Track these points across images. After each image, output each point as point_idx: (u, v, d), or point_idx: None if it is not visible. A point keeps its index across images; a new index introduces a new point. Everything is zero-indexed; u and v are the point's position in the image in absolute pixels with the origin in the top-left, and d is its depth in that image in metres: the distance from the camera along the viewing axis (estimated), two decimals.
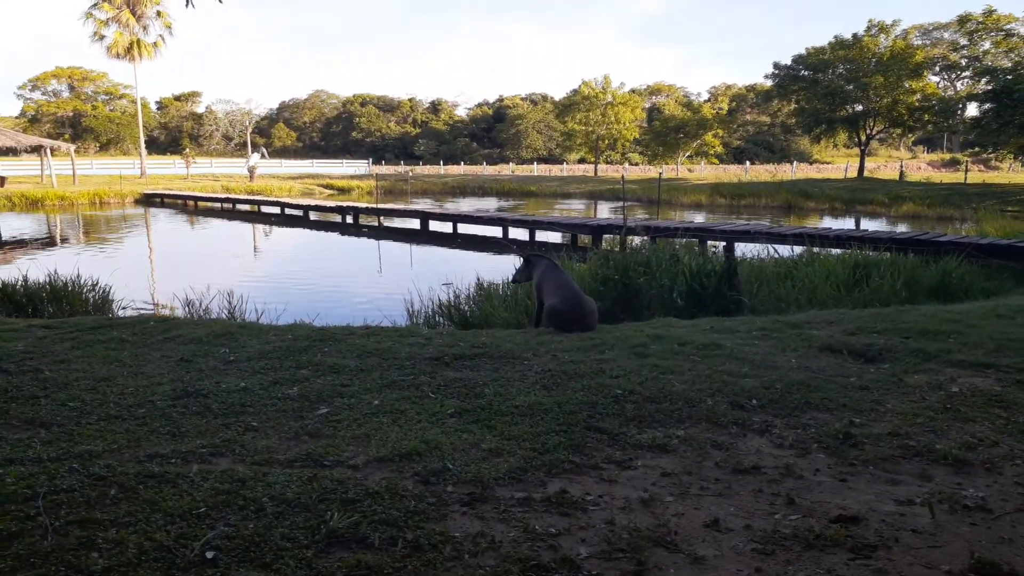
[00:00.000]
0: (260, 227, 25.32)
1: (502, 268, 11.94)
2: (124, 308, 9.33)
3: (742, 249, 13.10)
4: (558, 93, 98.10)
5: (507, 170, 68.22)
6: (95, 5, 47.19)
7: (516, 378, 4.63)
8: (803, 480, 3.22)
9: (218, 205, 33.24)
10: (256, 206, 31.71)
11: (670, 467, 3.35)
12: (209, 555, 2.54)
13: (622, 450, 3.52)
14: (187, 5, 4.99)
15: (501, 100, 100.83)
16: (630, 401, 4.14)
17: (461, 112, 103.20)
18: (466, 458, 3.39)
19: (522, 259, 6.82)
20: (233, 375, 4.73)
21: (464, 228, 21.87)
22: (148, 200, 35.83)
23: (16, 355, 5.26)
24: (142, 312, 8.92)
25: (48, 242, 20.38)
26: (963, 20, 45.02)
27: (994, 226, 16.42)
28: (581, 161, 77.34)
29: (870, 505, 2.98)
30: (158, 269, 14.98)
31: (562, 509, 2.93)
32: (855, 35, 43.40)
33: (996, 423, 3.89)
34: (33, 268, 10.37)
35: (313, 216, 27.86)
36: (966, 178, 41.85)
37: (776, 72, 45.73)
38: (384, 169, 66.04)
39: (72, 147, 43.06)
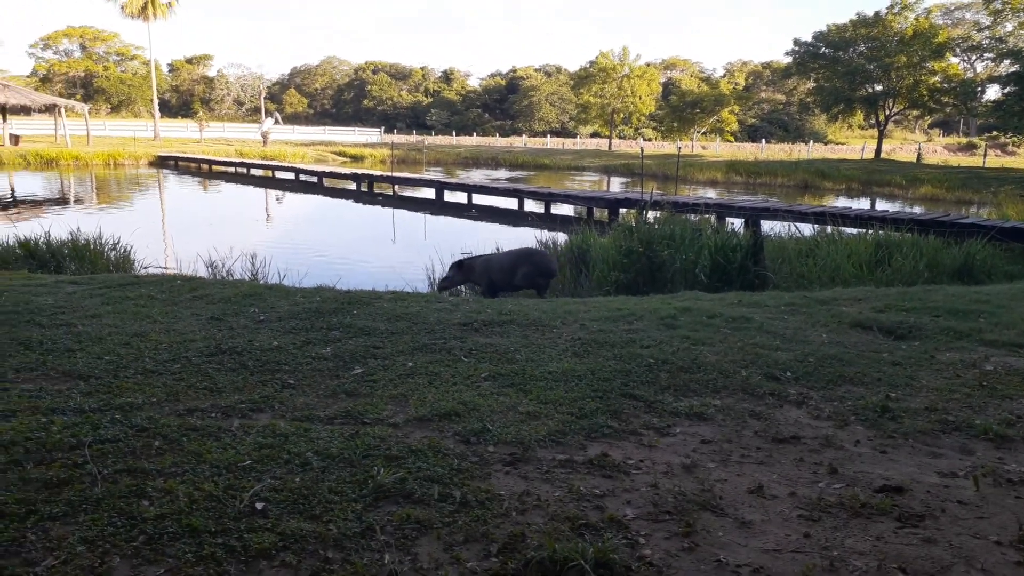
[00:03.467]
0: (274, 192, 25.31)
1: (520, 239, 11.94)
2: (146, 267, 9.37)
3: (762, 227, 13.04)
4: (572, 65, 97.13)
5: (519, 142, 67.81)
6: None
7: (547, 345, 4.66)
8: (844, 451, 3.23)
9: (232, 169, 33.20)
10: (270, 171, 31.66)
11: (709, 435, 3.35)
12: (259, 506, 2.57)
13: (659, 417, 3.53)
14: None
15: (514, 71, 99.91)
16: (663, 370, 4.15)
17: (473, 82, 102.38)
18: (504, 420, 3.40)
19: (453, 265, 7.22)
20: (265, 334, 4.75)
21: (479, 199, 21.81)
22: (162, 162, 35.82)
23: (47, 309, 5.28)
24: (166, 272, 8.95)
25: (61, 201, 20.43)
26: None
27: (1015, 210, 16.27)
28: (594, 135, 76.77)
29: (913, 476, 2.99)
30: (176, 231, 15.01)
31: (605, 472, 2.95)
32: (877, 13, 42.74)
33: None
34: (55, 226, 10.40)
35: (327, 183, 27.82)
36: (984, 162, 41.39)
37: (796, 49, 45.12)
38: (396, 138, 65.75)
39: (86, 107, 42.99)
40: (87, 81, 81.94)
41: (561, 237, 10.84)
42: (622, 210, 17.03)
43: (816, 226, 12.03)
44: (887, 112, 44.11)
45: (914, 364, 4.46)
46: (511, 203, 20.54)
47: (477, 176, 35.12)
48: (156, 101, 52.54)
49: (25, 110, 40.91)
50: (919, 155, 47.28)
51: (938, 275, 8.96)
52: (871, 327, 5.31)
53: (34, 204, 19.28)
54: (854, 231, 11.33)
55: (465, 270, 7.18)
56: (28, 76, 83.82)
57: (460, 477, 2.84)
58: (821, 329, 5.24)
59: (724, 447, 3.23)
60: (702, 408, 3.62)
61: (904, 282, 8.26)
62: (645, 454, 3.14)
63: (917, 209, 21.91)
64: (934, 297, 6.43)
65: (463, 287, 8.40)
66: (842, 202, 25.93)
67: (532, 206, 20.22)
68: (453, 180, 25.86)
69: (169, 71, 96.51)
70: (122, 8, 47.30)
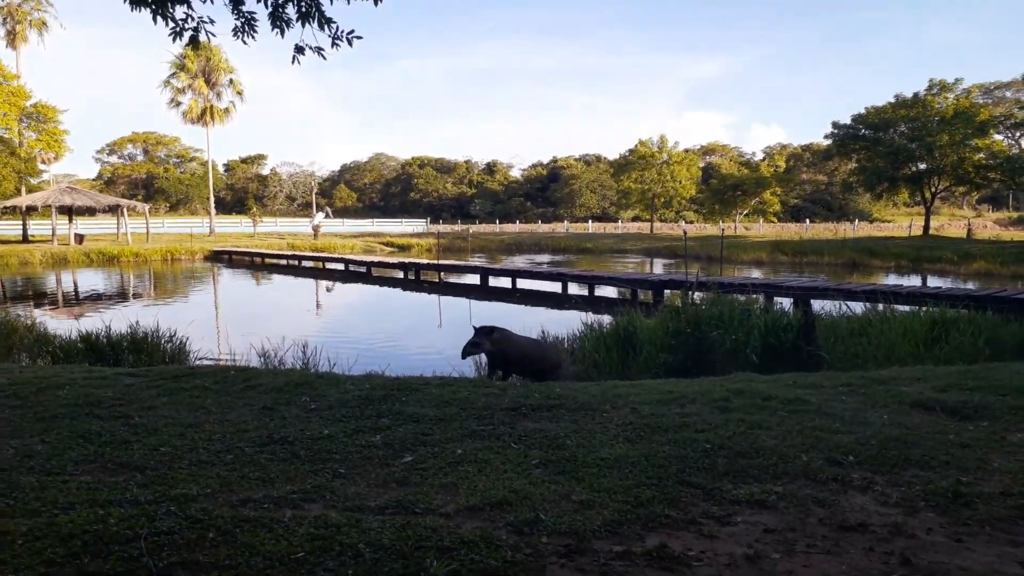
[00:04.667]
0: (324, 282, 25.85)
1: (565, 321, 11.90)
2: (200, 359, 9.55)
3: (812, 306, 12.84)
4: (611, 154, 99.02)
5: (561, 228, 68.66)
6: (173, 74, 49.79)
7: (598, 430, 4.60)
8: (915, 539, 3.06)
9: (284, 262, 34.10)
10: (321, 262, 32.42)
11: (772, 523, 3.22)
12: None
13: (719, 505, 3.41)
14: (293, 62, 5.19)
15: (555, 161, 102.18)
16: (720, 456, 4.07)
17: (516, 173, 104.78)
18: (558, 509, 3.32)
19: (477, 330, 7.05)
20: (316, 423, 4.78)
21: (523, 283, 21.97)
22: (216, 257, 37.01)
23: (106, 401, 5.40)
24: (219, 362, 9.11)
25: (121, 296, 21.14)
26: None
27: None
28: (635, 219, 77.38)
29: (993, 567, 2.81)
30: (230, 322, 15.36)
31: (664, 564, 2.84)
32: (916, 94, 42.91)
33: None
34: (115, 320, 10.72)
35: (375, 272, 28.37)
36: None
37: (835, 132, 45.31)
38: (442, 227, 67.06)
39: (147, 207, 44.96)
40: (148, 182, 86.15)
41: (606, 319, 10.80)
42: (667, 291, 16.94)
43: (867, 304, 11.79)
44: (933, 189, 43.69)
45: (983, 446, 4.26)
46: (555, 287, 20.61)
47: (520, 261, 35.49)
48: (212, 199, 54.70)
49: (90, 211, 42.91)
50: (969, 230, 46.48)
51: (999, 352, 8.65)
52: (934, 407, 5.12)
53: (96, 299, 19.99)
54: (907, 308, 11.07)
55: (494, 340, 7.13)
56: (94, 179, 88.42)
57: (514, 570, 2.76)
58: (881, 410, 5.07)
59: (788, 536, 3.09)
60: (763, 495, 3.50)
61: (964, 360, 7.99)
62: (706, 544, 3.02)
63: (971, 285, 21.38)
64: (998, 375, 6.19)
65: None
66: (892, 280, 25.47)
67: (575, 289, 20.25)
68: (497, 266, 26.08)
69: (225, 171, 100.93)
70: (183, 115, 50.00)
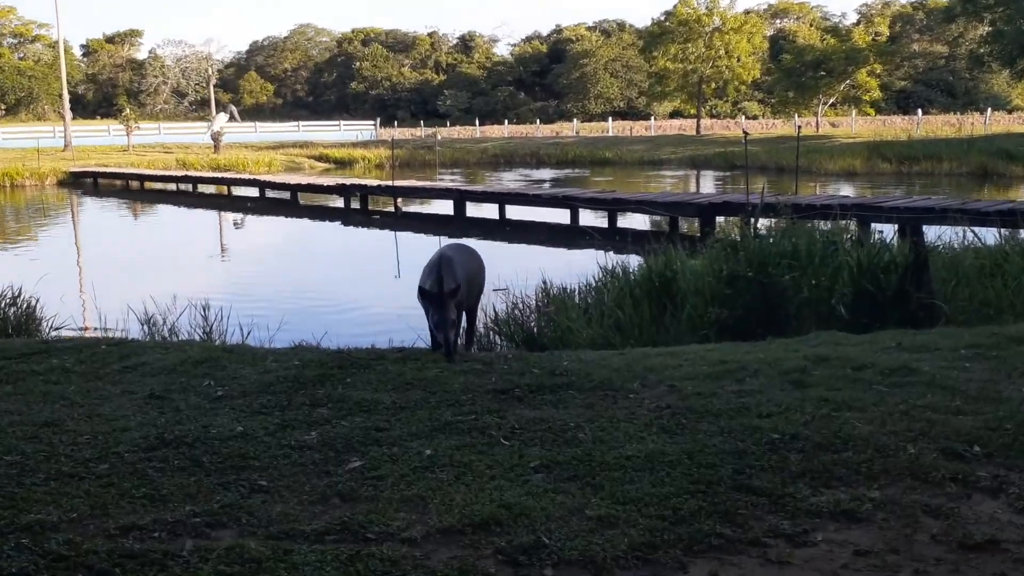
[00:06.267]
0: (232, 216, 25.75)
1: (575, 265, 11.91)
2: (58, 329, 9.54)
3: (925, 235, 12.83)
4: (639, 20, 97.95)
5: (569, 129, 68.32)
6: None
7: (621, 417, 4.67)
8: None
9: (172, 186, 33.91)
10: (225, 187, 32.29)
11: (866, 542, 3.29)
12: None
13: (791, 518, 3.47)
14: None
15: (559, 32, 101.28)
16: (793, 449, 4.12)
17: (502, 50, 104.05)
18: (566, 529, 3.38)
19: (438, 295, 6.26)
20: (225, 416, 4.83)
21: (515, 211, 21.99)
22: (76, 180, 36.78)
23: None
24: (85, 333, 9.12)
25: None
26: None
27: None
28: (674, 115, 77.11)
29: None
30: (98, 276, 15.26)
31: None
32: None
33: None
34: None
35: (304, 199, 28.24)
36: None
37: None
38: (398, 132, 66.63)
39: None
40: None
41: (634, 261, 10.78)
42: (720, 219, 16.91)
43: (1005, 231, 11.82)
44: None
45: None
46: (560, 216, 20.59)
47: (511, 180, 35.40)
48: (66, 97, 54.03)
49: None
50: None
51: None
52: None
53: None
54: None
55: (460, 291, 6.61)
56: None
57: None
58: (1021, 381, 5.14)
59: (889, 560, 3.16)
60: (853, 504, 3.56)
61: None
62: (774, 574, 3.08)
63: None
64: None
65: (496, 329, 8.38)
66: None
67: (590, 218, 20.22)
68: (478, 187, 26.06)
69: (84, 55, 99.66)
70: None
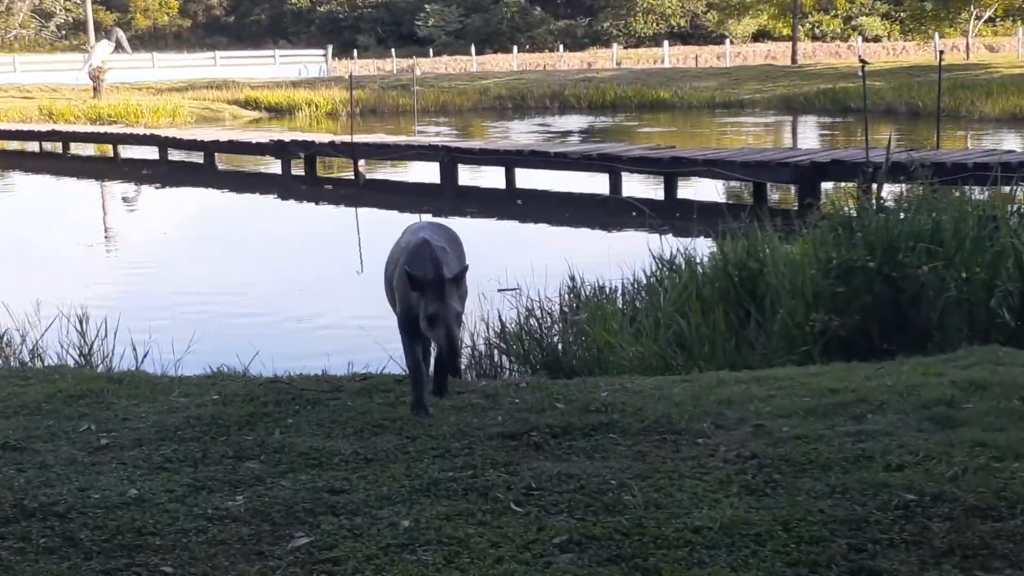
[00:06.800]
0: (119, 188, 25.67)
1: (619, 254, 11.81)
2: None
3: None
4: None
5: (607, 59, 68.47)
6: None
7: (686, 472, 4.74)
8: None
9: (35, 146, 34.00)
10: (111, 146, 32.34)
11: None
12: None
13: None
14: None
15: None
16: (936, 516, 4.10)
17: None
18: None
19: (432, 281, 6.05)
20: (112, 474, 4.80)
21: (529, 178, 21.92)
22: None
23: None
24: None
25: None
26: None
27: None
28: (760, 37, 77.10)
29: None
30: None
31: None
32: None
33: None
34: None
35: (224, 162, 28.17)
36: None
37: None
38: (359, 66, 66.66)
39: None
40: None
41: (701, 246, 10.71)
42: (826, 185, 16.75)
43: None
44: None
45: None
46: (595, 181, 20.58)
47: (524, 132, 35.25)
48: None
49: None
50: None
51: None
52: None
53: None
54: None
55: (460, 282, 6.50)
56: None
57: None
58: None
59: None
60: None
61: None
62: None
63: None
64: None
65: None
66: None
67: (639, 186, 20.07)
68: (475, 143, 25.96)
69: None
70: None
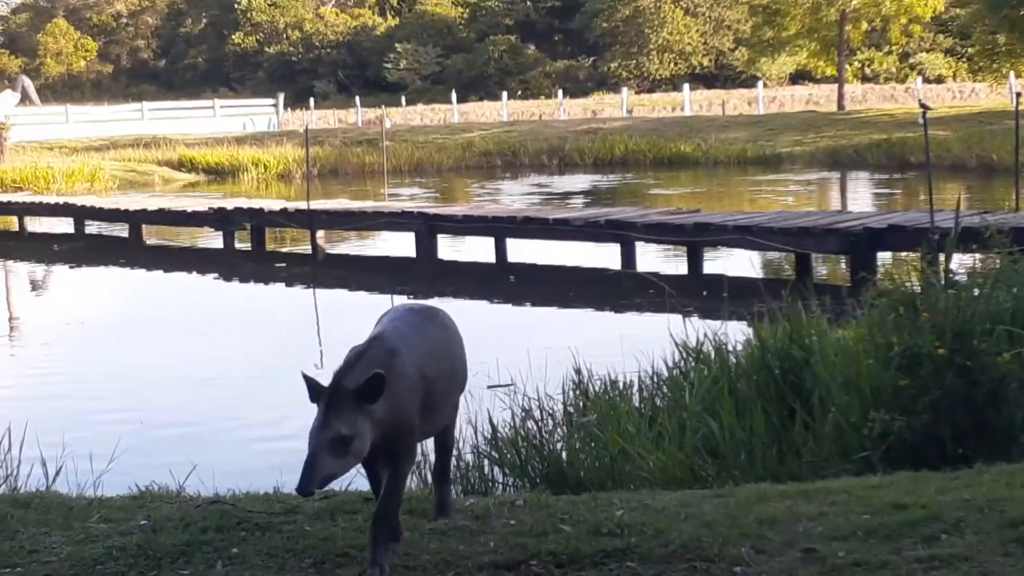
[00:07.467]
0: (24, 268, 25.74)
1: (633, 340, 11.92)
2: None
3: None
4: None
5: (616, 106, 68.38)
6: None
7: None
8: None
9: None
10: (15, 218, 32.26)
11: None
12: None
13: None
14: None
15: None
16: None
17: None
18: None
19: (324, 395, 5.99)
20: None
21: (524, 250, 22.01)
22: None
23: None
24: None
25: None
26: None
27: None
28: (800, 78, 77.33)
29: None
30: None
31: None
32: None
33: None
34: None
35: (153, 236, 28.16)
36: None
37: None
38: (318, 117, 66.63)
39: None
40: None
41: (735, 332, 10.78)
42: (883, 256, 16.84)
43: None
44: None
45: None
46: (604, 254, 20.60)
47: (518, 195, 35.37)
48: None
49: None
50: None
51: None
52: None
53: None
54: None
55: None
56: None
57: None
58: None
59: None
60: None
61: None
62: None
63: None
64: None
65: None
66: None
67: (656, 259, 20.22)
68: (458, 208, 25.98)
69: None
70: None
